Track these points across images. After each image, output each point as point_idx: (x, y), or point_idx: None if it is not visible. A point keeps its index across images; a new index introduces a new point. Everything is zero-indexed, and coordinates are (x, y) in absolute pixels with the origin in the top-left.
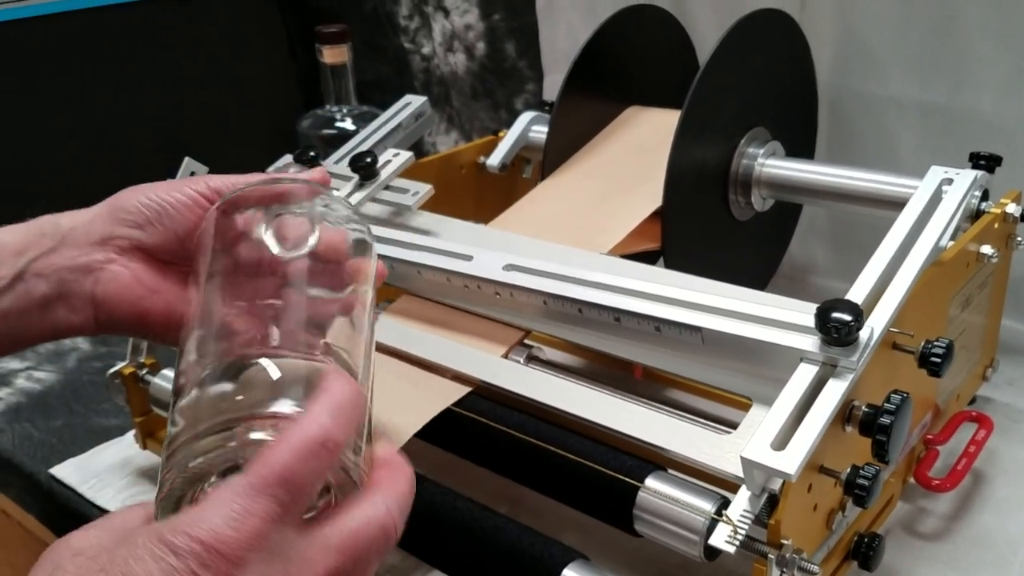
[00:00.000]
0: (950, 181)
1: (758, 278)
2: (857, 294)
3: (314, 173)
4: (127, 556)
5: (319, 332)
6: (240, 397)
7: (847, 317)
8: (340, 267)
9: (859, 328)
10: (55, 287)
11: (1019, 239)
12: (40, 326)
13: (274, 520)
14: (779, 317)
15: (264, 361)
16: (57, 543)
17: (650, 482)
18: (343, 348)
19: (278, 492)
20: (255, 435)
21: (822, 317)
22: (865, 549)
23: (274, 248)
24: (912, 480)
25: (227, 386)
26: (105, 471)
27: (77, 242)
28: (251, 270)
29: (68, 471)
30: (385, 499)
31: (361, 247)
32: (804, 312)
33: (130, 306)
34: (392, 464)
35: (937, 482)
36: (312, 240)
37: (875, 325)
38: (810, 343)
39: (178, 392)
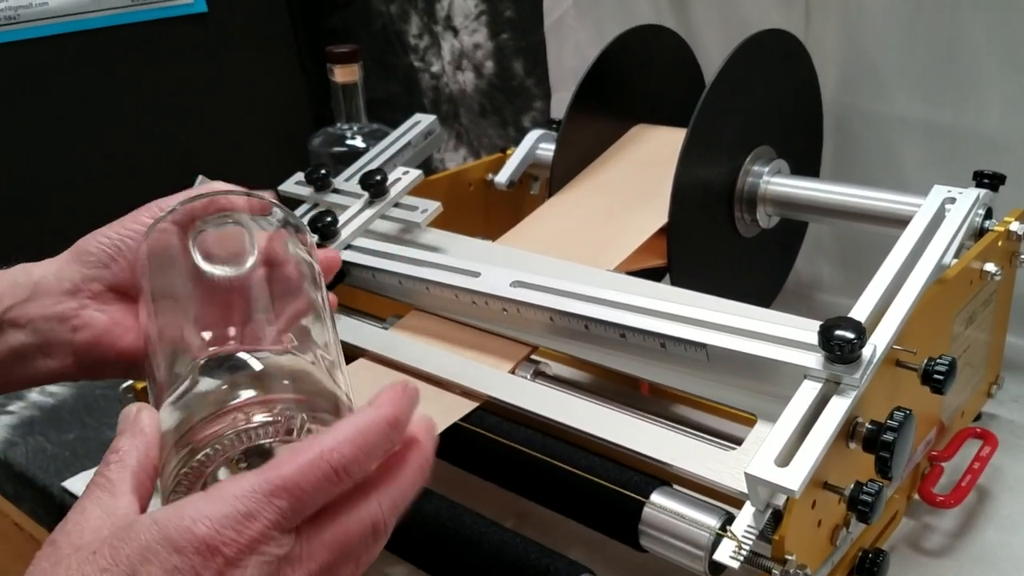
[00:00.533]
0: (953, 200)
1: (764, 295)
2: (860, 312)
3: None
4: (130, 554)
5: (282, 330)
6: (228, 388)
7: (850, 335)
8: (287, 268)
9: (862, 346)
10: (32, 337)
11: (1023, 257)
12: (21, 374)
13: (275, 527)
14: (783, 334)
15: (243, 355)
16: (57, 535)
17: (655, 497)
18: (313, 342)
19: (283, 503)
20: (259, 417)
21: (825, 335)
22: (869, 565)
23: (205, 264)
24: (917, 496)
25: (212, 383)
26: None
27: (49, 291)
28: (197, 284)
29: (81, 484)
30: (379, 497)
31: (295, 247)
32: (808, 329)
33: (111, 348)
34: (400, 451)
35: (941, 499)
36: (253, 249)
37: (878, 343)
38: (814, 360)
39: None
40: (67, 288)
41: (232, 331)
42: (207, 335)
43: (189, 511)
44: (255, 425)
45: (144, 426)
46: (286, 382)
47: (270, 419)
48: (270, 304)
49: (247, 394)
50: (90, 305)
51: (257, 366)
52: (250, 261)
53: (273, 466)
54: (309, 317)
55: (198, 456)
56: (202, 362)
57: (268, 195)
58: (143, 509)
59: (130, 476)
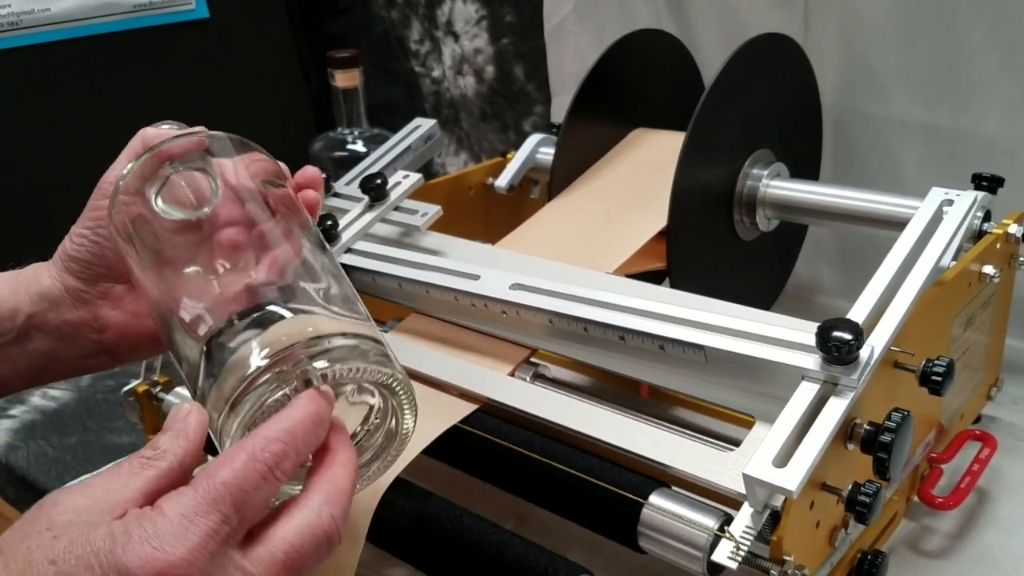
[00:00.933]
0: (950, 202)
1: (764, 297)
2: (858, 313)
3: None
4: (78, 560)
5: (280, 268)
6: (264, 343)
7: (847, 336)
8: (258, 198)
9: (859, 347)
10: (61, 342)
11: (1022, 259)
12: (60, 370)
13: (223, 536)
14: (781, 336)
15: (271, 308)
16: (44, 504)
17: (654, 499)
18: (313, 279)
19: (227, 508)
20: (318, 364)
21: (823, 336)
22: (868, 566)
23: (175, 212)
24: (916, 498)
25: (246, 340)
26: None
27: (61, 302)
28: (178, 239)
29: None
30: (325, 502)
31: (269, 171)
32: (805, 331)
33: (139, 336)
34: (329, 453)
35: (940, 500)
36: (215, 184)
37: (875, 344)
38: (811, 361)
39: (193, 380)
40: (75, 297)
41: (228, 276)
42: (207, 291)
43: (137, 533)
44: (277, 397)
45: (190, 431)
46: (294, 329)
47: (286, 389)
48: (255, 236)
49: (256, 362)
50: (103, 306)
51: (288, 313)
52: (215, 197)
53: (209, 474)
54: (296, 237)
55: (268, 403)
56: (219, 330)
57: (201, 129)
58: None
59: (152, 479)
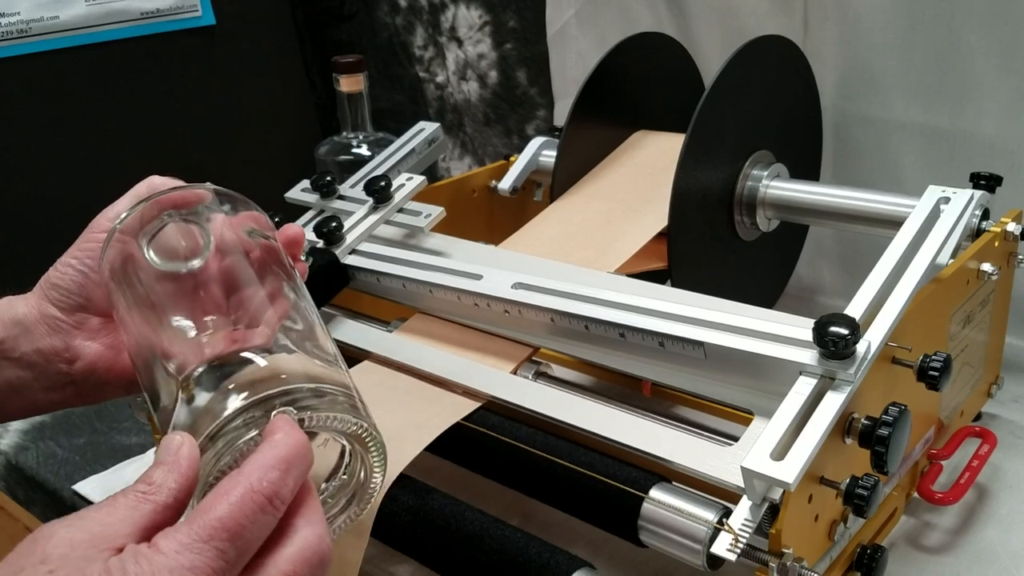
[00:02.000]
0: (947, 200)
1: (765, 297)
2: (855, 309)
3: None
4: None
5: (259, 314)
6: (238, 386)
7: (844, 331)
8: (247, 253)
9: (856, 342)
10: (28, 371)
11: (1021, 257)
12: (18, 406)
13: (221, 573)
14: (779, 332)
15: (245, 354)
16: (39, 536)
17: (654, 493)
18: (293, 328)
19: (224, 544)
20: (290, 409)
21: (820, 331)
22: (868, 560)
23: (161, 263)
24: (916, 494)
25: (204, 397)
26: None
27: (35, 329)
28: (163, 287)
29: (91, 488)
30: (311, 524)
31: (253, 231)
32: (803, 327)
33: (109, 372)
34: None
35: (940, 495)
36: (207, 239)
37: (872, 339)
38: (809, 356)
39: (166, 420)
40: (51, 325)
41: (211, 326)
42: (188, 338)
43: (133, 570)
44: (247, 438)
45: (184, 464)
46: (272, 377)
47: (255, 432)
48: (241, 290)
49: (234, 404)
50: (78, 336)
51: (263, 362)
52: (206, 251)
53: (204, 510)
54: (281, 295)
55: (208, 487)
56: (196, 373)
57: (208, 185)
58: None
59: (148, 514)
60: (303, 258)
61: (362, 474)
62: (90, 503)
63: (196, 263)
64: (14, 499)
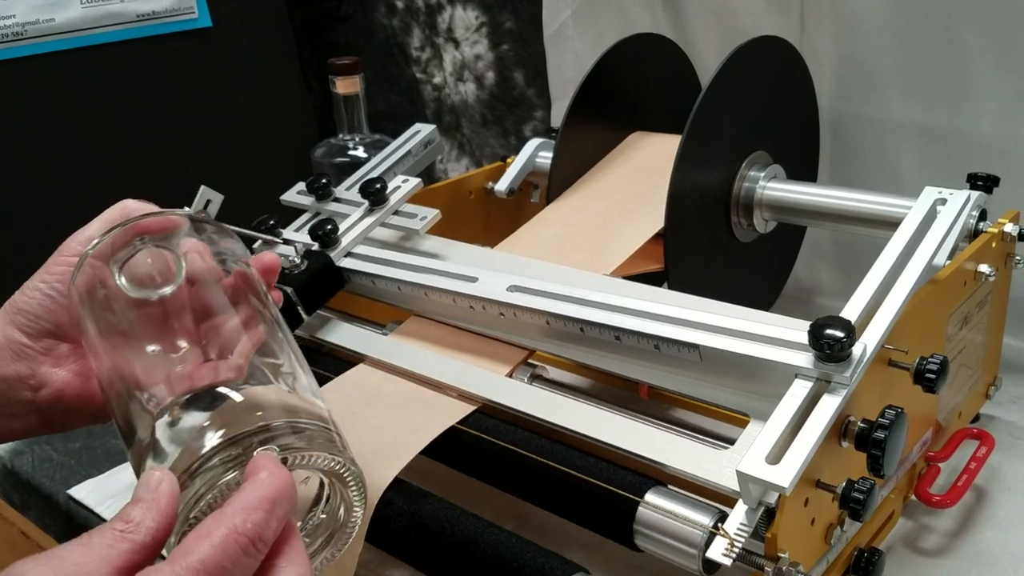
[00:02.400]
0: (944, 201)
1: (763, 299)
2: (851, 312)
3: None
4: None
5: (233, 345)
6: (215, 422)
7: (839, 334)
8: (220, 281)
9: (851, 344)
10: None
11: (1018, 258)
12: None
13: None
14: (774, 334)
15: (221, 389)
16: (11, 575)
17: (650, 497)
18: (268, 357)
19: None
20: (269, 448)
21: (815, 334)
22: (865, 564)
23: (132, 291)
24: (914, 497)
25: (199, 420)
26: (122, 492)
27: (0, 353)
28: (135, 315)
29: (86, 492)
30: (294, 564)
31: (227, 259)
32: (799, 329)
33: (76, 399)
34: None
35: (938, 498)
36: (180, 266)
37: (868, 342)
38: (804, 359)
39: (140, 455)
40: (15, 351)
41: (184, 356)
42: (161, 368)
43: None
44: (228, 479)
45: (163, 501)
46: (249, 413)
47: (236, 474)
48: (214, 319)
49: (212, 441)
50: (45, 363)
51: (239, 397)
52: (179, 278)
53: (186, 551)
54: (255, 325)
55: (187, 525)
56: (171, 407)
57: (184, 211)
58: None
59: (126, 553)
60: (294, 264)
61: (342, 510)
62: (86, 508)
63: (168, 290)
64: (9, 503)
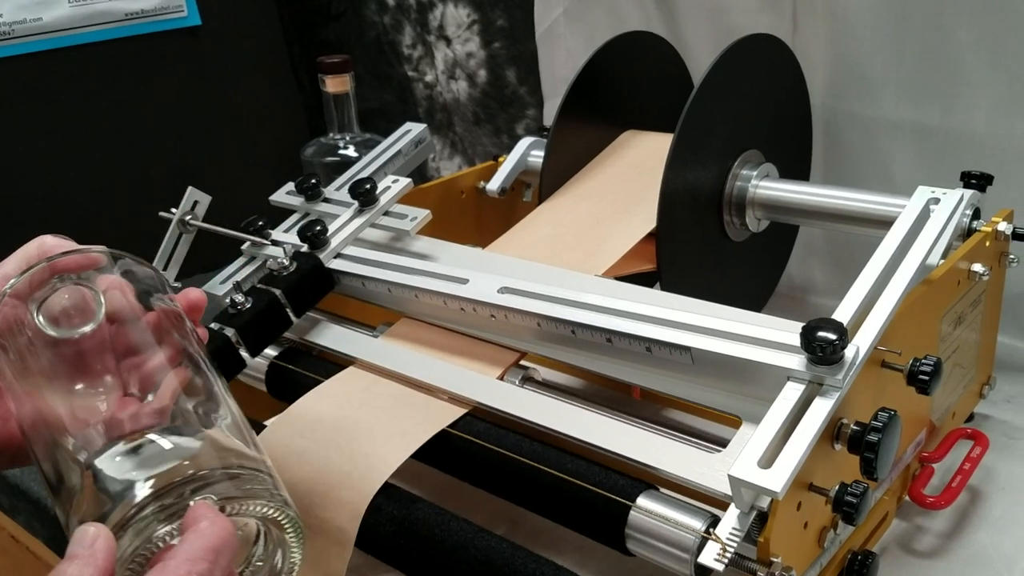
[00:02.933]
0: (937, 200)
1: (756, 297)
2: (843, 313)
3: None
4: None
5: (160, 390)
6: (144, 470)
7: (831, 336)
8: (143, 319)
9: (844, 347)
10: None
11: (1012, 257)
12: None
13: None
14: (766, 336)
15: (150, 435)
16: None
17: (641, 501)
18: (195, 397)
19: None
20: (201, 497)
21: (807, 336)
22: (859, 567)
23: (51, 330)
24: (907, 498)
25: (127, 469)
26: None
27: None
28: (55, 355)
29: None
30: None
31: (150, 295)
32: (791, 331)
33: (5, 442)
34: None
35: (932, 500)
36: (100, 304)
37: (861, 344)
38: (796, 362)
39: (67, 504)
40: None
41: (109, 399)
42: (86, 412)
43: None
44: (162, 532)
45: (99, 557)
46: (178, 459)
47: (172, 526)
48: (136, 357)
49: (143, 491)
50: None
51: (168, 444)
52: (99, 316)
53: None
54: (180, 363)
55: (139, 550)
56: (98, 455)
57: (101, 248)
58: None
59: None
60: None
61: (278, 556)
62: None
63: (88, 328)
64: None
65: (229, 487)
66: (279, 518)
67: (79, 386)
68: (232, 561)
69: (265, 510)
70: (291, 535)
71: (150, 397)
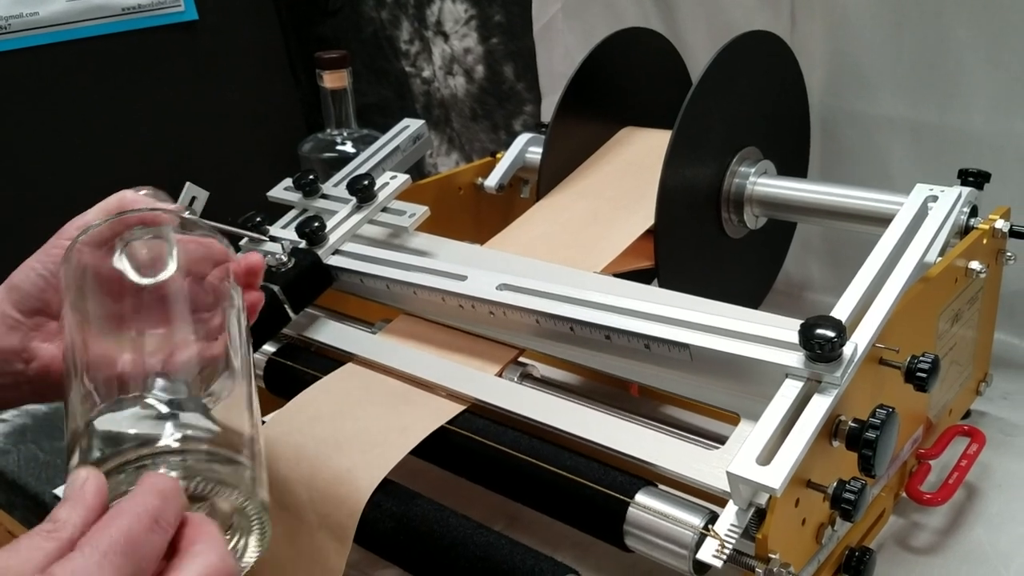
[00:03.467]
0: (935, 198)
1: (753, 295)
2: (842, 311)
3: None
4: None
5: (193, 360)
6: (140, 434)
7: (830, 333)
8: (202, 285)
9: (842, 344)
10: None
11: (1009, 254)
12: None
13: None
14: (765, 334)
15: (152, 401)
16: None
17: (640, 497)
18: (220, 374)
19: (119, 561)
20: (172, 472)
21: (806, 334)
22: (856, 563)
23: (132, 275)
24: (904, 495)
25: (133, 424)
26: None
27: None
28: (116, 302)
29: None
30: (214, 548)
31: (212, 264)
32: (789, 329)
33: (63, 374)
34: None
35: (929, 496)
36: (171, 262)
37: (859, 341)
38: (795, 359)
39: (72, 443)
40: (10, 324)
41: (149, 349)
42: (127, 357)
43: None
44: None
45: (88, 497)
46: (178, 431)
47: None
48: (190, 319)
49: (136, 452)
50: (35, 338)
51: (164, 408)
52: (169, 269)
53: (92, 535)
54: (219, 337)
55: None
56: (111, 405)
57: (176, 207)
58: None
59: (53, 552)
60: (281, 262)
61: (240, 542)
62: None
63: (158, 279)
64: None
65: (206, 468)
66: (248, 510)
67: (125, 333)
68: (179, 505)
69: (237, 499)
70: (255, 533)
71: (183, 358)
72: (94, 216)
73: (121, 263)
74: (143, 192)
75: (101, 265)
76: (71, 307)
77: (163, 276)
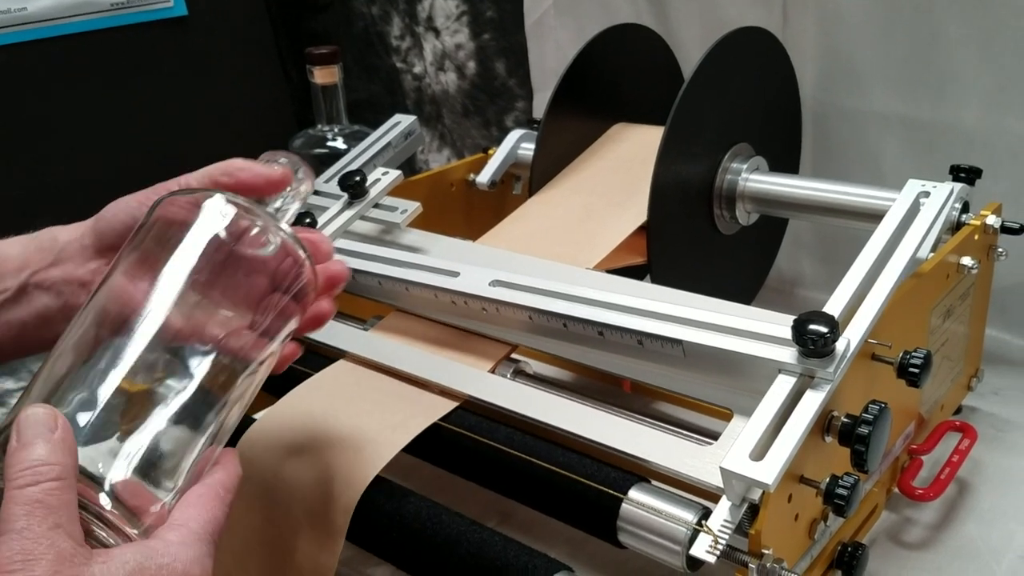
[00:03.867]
0: (927, 194)
1: (745, 291)
2: (834, 306)
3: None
4: None
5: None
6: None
7: (823, 329)
8: (279, 287)
9: (835, 340)
10: (57, 300)
11: (1000, 250)
12: (46, 337)
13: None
14: (758, 329)
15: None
16: None
17: (633, 493)
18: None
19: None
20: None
21: (798, 329)
22: (848, 558)
23: (235, 242)
24: (897, 490)
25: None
26: None
27: (73, 256)
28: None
29: None
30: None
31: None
32: (782, 324)
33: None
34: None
35: (920, 492)
36: (271, 247)
37: (852, 337)
38: (788, 355)
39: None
40: (90, 255)
41: (188, 321)
42: (176, 315)
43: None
44: None
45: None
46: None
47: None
48: (244, 310)
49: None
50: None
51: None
52: (271, 246)
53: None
54: (268, 344)
55: None
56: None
57: (284, 170)
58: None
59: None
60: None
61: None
62: None
63: (267, 252)
64: None
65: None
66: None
67: (187, 297)
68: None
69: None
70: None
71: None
72: (196, 179)
73: (222, 229)
74: (281, 159)
75: (189, 222)
76: (138, 256)
77: (267, 250)
